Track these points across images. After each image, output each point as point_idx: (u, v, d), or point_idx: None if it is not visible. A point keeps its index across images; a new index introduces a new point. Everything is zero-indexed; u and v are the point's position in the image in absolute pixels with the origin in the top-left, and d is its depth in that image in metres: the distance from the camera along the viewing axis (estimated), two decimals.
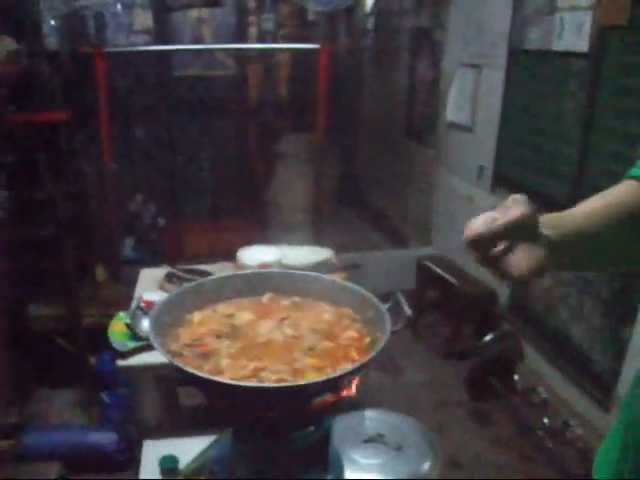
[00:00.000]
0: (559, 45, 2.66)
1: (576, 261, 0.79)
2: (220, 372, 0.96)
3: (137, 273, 2.35)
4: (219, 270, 1.95)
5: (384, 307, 1.12)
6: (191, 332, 1.09)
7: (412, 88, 4.35)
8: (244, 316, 1.16)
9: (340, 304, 1.20)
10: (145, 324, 1.06)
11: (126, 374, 1.51)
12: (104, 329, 2.10)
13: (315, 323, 1.14)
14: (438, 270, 3.71)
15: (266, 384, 0.88)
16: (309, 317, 1.17)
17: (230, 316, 1.15)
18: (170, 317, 1.09)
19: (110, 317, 2.56)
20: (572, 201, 0.81)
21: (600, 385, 2.47)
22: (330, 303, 1.21)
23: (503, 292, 3.40)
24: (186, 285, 1.17)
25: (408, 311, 1.08)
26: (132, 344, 1.61)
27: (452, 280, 3.53)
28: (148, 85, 3.61)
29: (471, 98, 3.45)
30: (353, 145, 4.97)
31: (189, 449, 1.51)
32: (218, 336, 1.07)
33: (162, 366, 1.48)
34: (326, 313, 1.19)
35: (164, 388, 1.55)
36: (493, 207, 0.75)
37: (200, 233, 3.65)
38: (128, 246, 3.46)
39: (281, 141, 3.34)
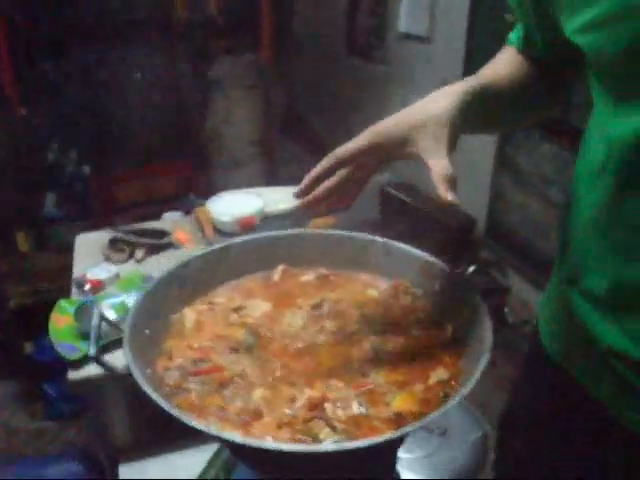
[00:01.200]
0: None
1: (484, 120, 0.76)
2: (257, 415, 0.60)
3: (67, 237, 1.92)
4: (175, 227, 1.55)
5: (458, 272, 0.78)
6: (187, 345, 0.71)
7: None
8: (258, 307, 0.79)
9: (384, 273, 0.85)
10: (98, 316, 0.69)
11: (83, 390, 1.10)
12: (36, 310, 1.71)
13: (363, 307, 0.79)
14: (405, 198, 3.39)
15: (374, 439, 0.51)
16: (351, 298, 0.81)
17: (238, 310, 0.78)
18: (149, 325, 0.71)
19: (42, 295, 2.12)
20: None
21: None
22: (369, 273, 0.86)
23: (481, 217, 3.14)
24: (164, 272, 0.78)
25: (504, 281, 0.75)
26: (86, 346, 1.17)
27: (423, 208, 3.23)
28: (52, 10, 2.98)
29: (428, 4, 3.05)
30: (289, 67, 4.48)
31: (177, 467, 1.16)
32: (233, 348, 0.70)
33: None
34: (371, 289, 0.84)
35: (138, 397, 1.18)
36: None
37: (132, 179, 3.16)
38: (50, 203, 2.94)
39: (215, 65, 2.85)
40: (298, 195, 0.68)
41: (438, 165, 0.61)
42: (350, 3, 3.95)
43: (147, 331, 0.69)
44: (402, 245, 0.85)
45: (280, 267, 0.87)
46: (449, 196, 0.61)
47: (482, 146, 2.93)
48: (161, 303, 0.75)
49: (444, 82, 2.88)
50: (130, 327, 0.65)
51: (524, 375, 0.89)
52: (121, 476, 1.13)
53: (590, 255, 0.66)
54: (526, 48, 0.77)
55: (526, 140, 2.65)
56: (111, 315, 1.07)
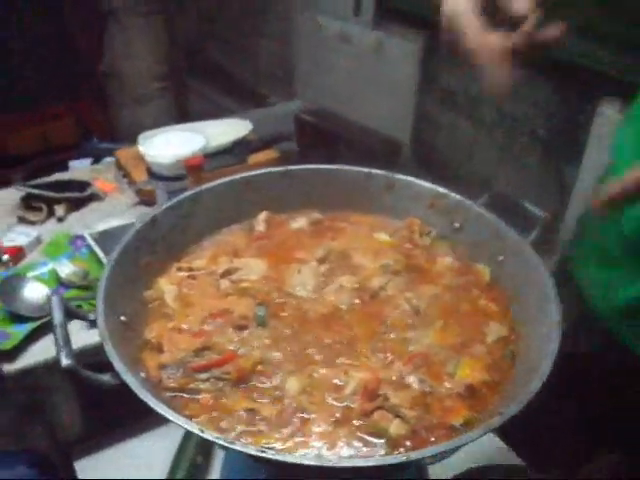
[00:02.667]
0: None
1: None
2: (303, 415, 0.46)
3: None
4: (94, 176, 1.32)
5: (479, 207, 0.66)
6: (175, 328, 0.55)
7: None
8: (252, 268, 0.63)
9: (389, 212, 0.72)
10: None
11: (22, 382, 0.89)
12: None
13: (379, 255, 0.65)
14: (324, 124, 3.23)
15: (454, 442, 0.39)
16: (360, 246, 0.67)
17: (228, 274, 0.62)
18: (122, 308, 0.54)
19: None
20: None
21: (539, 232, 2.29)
22: (371, 213, 0.73)
23: (405, 140, 3.04)
24: (128, 236, 0.60)
25: (538, 211, 0.64)
26: (19, 330, 0.87)
27: (345, 134, 3.09)
28: None
29: None
30: None
31: (142, 455, 1.01)
32: (239, 326, 0.55)
33: (85, 351, 0.90)
34: (379, 232, 0.70)
35: (85, 385, 1.00)
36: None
37: (23, 125, 2.78)
38: None
39: None
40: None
41: None
42: None
43: (122, 317, 0.52)
44: (407, 177, 0.72)
45: (263, 214, 0.71)
46: None
47: (404, 63, 2.81)
48: (131, 277, 0.58)
49: (358, 2, 2.63)
50: (102, 316, 0.48)
51: None
52: (78, 473, 0.97)
53: None
54: None
55: (452, 58, 2.55)
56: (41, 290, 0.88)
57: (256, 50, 3.97)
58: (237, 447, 0.37)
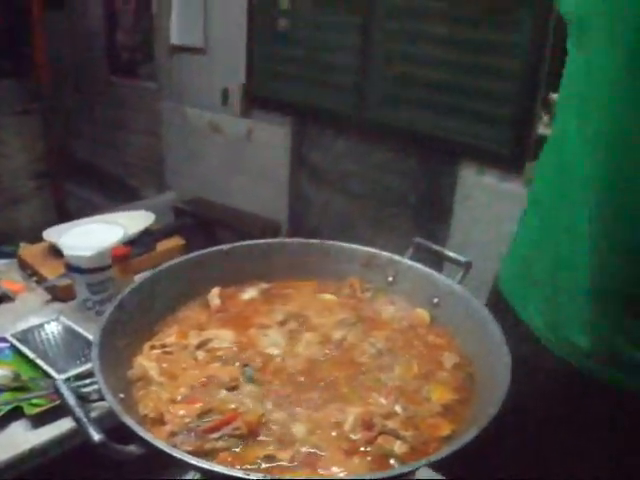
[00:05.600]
0: None
1: None
2: (316, 452, 0.51)
3: None
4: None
5: (407, 260, 0.77)
6: (170, 399, 0.58)
7: (111, 13, 3.64)
8: (222, 337, 0.68)
9: (327, 275, 0.81)
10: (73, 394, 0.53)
11: None
12: None
13: (331, 313, 0.73)
14: (202, 212, 3.29)
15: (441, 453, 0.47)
16: (311, 307, 0.75)
17: (202, 346, 0.66)
18: (119, 388, 0.56)
19: None
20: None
21: None
22: (311, 278, 0.81)
23: (283, 220, 3.18)
24: (103, 322, 0.62)
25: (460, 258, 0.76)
26: None
27: (224, 220, 3.17)
28: None
29: (201, 14, 3.00)
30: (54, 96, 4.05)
31: None
32: (229, 387, 0.59)
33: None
34: (323, 293, 0.78)
35: None
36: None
37: None
38: None
39: None
40: None
41: None
42: (107, 19, 3.70)
43: (121, 395, 0.55)
44: (340, 243, 0.81)
45: (215, 290, 0.76)
46: None
47: (275, 148, 2.98)
48: (113, 361, 0.60)
49: (226, 92, 2.88)
50: (112, 395, 0.51)
51: None
52: None
53: None
54: None
55: (320, 138, 2.76)
56: None
57: (124, 144, 3.98)
58: None
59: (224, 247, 0.79)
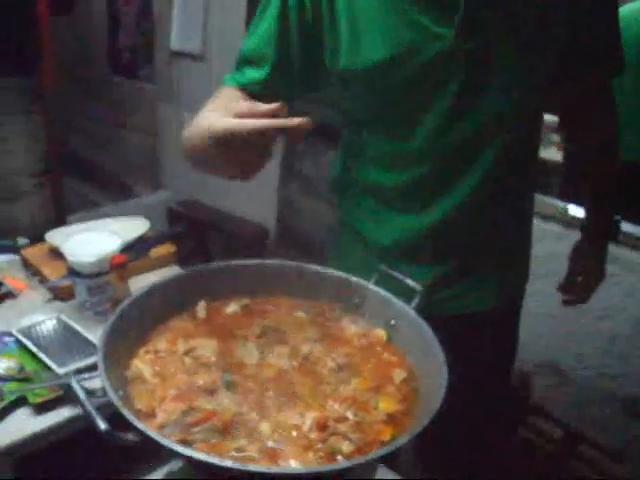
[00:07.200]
0: None
1: None
2: (277, 446, 0.62)
3: None
4: (3, 273, 1.37)
5: (371, 285, 0.89)
6: (160, 398, 0.69)
7: (114, 14, 3.73)
8: (207, 346, 0.79)
9: (301, 295, 0.92)
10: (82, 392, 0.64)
11: None
12: None
13: (302, 329, 0.85)
14: (195, 215, 3.41)
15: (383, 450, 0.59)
16: (285, 323, 0.86)
17: (189, 352, 0.78)
18: (119, 386, 0.68)
19: None
20: None
21: None
22: (288, 297, 0.92)
23: (271, 226, 3.29)
24: (106, 329, 0.73)
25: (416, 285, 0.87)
26: None
27: (215, 223, 3.28)
28: None
29: (201, 22, 3.11)
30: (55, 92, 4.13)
31: None
32: (209, 390, 0.70)
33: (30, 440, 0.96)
34: (297, 311, 0.90)
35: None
36: None
37: None
38: None
39: None
40: None
41: None
42: (109, 20, 3.79)
43: (121, 392, 0.66)
44: (314, 267, 0.93)
45: (202, 303, 0.88)
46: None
47: None
48: (114, 361, 0.71)
49: None
50: (113, 391, 0.62)
51: None
52: None
53: None
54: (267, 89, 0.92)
55: (311, 148, 2.87)
56: None
57: (122, 143, 4.08)
58: (250, 468, 0.54)
59: (212, 265, 0.91)
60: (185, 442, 0.62)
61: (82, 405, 0.59)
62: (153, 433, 0.57)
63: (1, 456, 0.96)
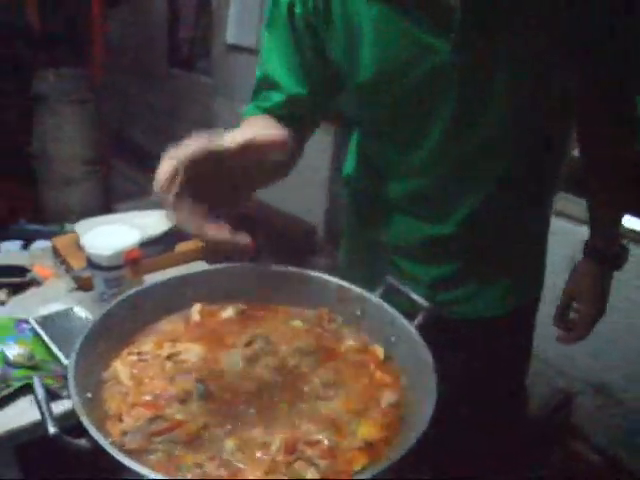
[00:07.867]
0: None
1: None
2: (239, 466, 0.59)
3: None
4: (32, 260, 1.41)
5: (375, 296, 0.84)
6: (131, 402, 0.67)
7: (174, 8, 3.80)
8: (192, 351, 0.77)
9: (302, 302, 0.88)
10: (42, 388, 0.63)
11: None
12: None
13: (294, 339, 0.81)
14: (244, 210, 3.38)
15: None
16: (279, 332, 0.83)
17: (172, 357, 0.76)
18: (88, 387, 0.66)
19: None
20: None
21: None
22: (287, 304, 0.89)
23: (319, 224, 3.26)
24: (90, 325, 0.72)
25: (420, 299, 0.82)
26: None
27: (263, 217, 3.27)
28: None
29: (257, 16, 3.11)
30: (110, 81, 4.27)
31: None
32: (182, 399, 0.68)
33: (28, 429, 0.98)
34: (294, 320, 0.86)
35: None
36: None
37: None
38: None
39: (37, 79, 2.58)
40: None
41: None
42: (170, 13, 3.86)
43: (89, 394, 0.65)
44: (316, 274, 0.89)
45: (197, 306, 0.86)
46: None
47: (318, 155, 3.06)
48: (93, 361, 0.70)
49: None
50: (77, 395, 0.61)
51: None
52: None
53: None
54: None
55: None
56: None
57: (176, 133, 4.13)
58: None
59: (211, 268, 0.88)
60: (144, 451, 0.60)
61: (38, 406, 0.58)
62: (104, 443, 0.55)
63: (3, 442, 0.97)
